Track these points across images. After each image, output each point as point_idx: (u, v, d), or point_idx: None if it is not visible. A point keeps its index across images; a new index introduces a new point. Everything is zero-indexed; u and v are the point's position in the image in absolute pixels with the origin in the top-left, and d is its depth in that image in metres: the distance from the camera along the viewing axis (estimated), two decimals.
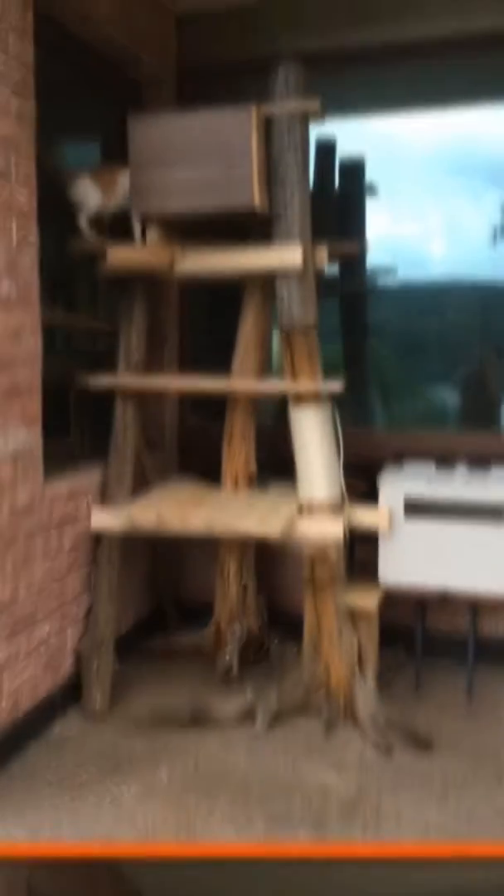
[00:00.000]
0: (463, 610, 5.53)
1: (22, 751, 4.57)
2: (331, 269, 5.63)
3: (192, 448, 6.56)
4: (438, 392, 7.14)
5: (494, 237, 6.62)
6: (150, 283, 5.54)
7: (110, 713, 5.03)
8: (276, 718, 4.90)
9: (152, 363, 5.90)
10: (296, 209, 4.92)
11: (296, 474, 5.12)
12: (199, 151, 4.82)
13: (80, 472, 5.36)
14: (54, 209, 4.94)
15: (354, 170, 7.02)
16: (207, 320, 6.94)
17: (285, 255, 4.92)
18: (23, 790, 4.24)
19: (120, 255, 5.21)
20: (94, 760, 4.51)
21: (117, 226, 5.43)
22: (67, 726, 4.89)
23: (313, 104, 4.87)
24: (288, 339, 5.00)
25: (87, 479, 5.27)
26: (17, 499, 4.44)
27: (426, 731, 4.75)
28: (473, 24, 5.76)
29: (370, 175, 6.86)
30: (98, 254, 5.26)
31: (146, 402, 5.87)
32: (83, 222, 5.25)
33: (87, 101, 6.10)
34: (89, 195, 5.23)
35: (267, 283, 5.33)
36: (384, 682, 5.28)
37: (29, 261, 4.50)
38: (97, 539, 5.26)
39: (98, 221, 5.34)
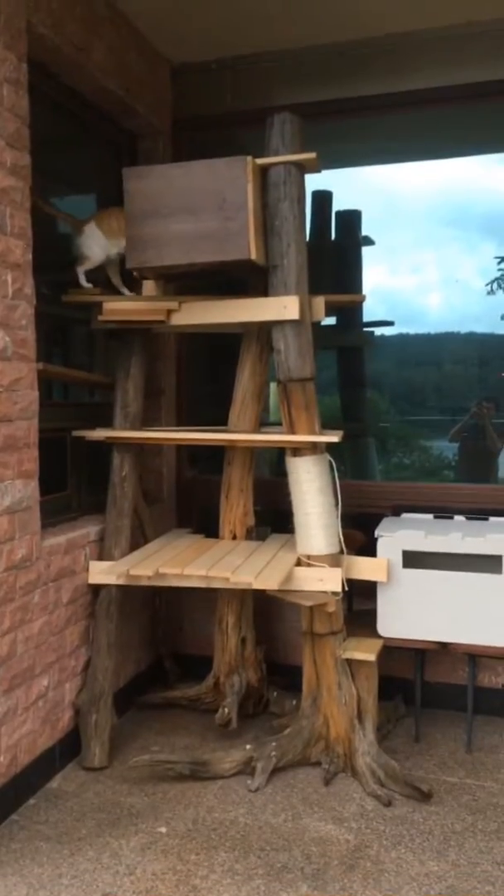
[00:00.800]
0: (462, 661, 5.57)
1: (21, 805, 4.61)
2: (328, 320, 5.67)
3: (190, 500, 6.62)
4: (436, 443, 7.21)
5: (491, 289, 6.72)
6: (147, 335, 5.59)
7: (109, 767, 5.06)
8: (276, 771, 4.93)
9: (150, 415, 5.98)
10: (292, 260, 4.97)
11: (294, 526, 5.16)
12: (194, 203, 4.83)
13: (78, 525, 5.44)
14: (51, 260, 4.98)
15: (350, 221, 7.13)
16: (205, 371, 7.01)
17: (282, 307, 4.96)
18: (22, 845, 4.26)
19: (115, 308, 5.29)
20: (93, 814, 4.54)
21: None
22: (66, 780, 4.92)
23: (309, 155, 4.92)
24: (285, 390, 5.04)
25: (85, 532, 5.31)
26: (14, 552, 4.48)
27: (426, 782, 4.75)
28: (468, 75, 5.86)
29: (366, 226, 6.97)
30: (94, 306, 5.34)
31: (144, 454, 5.95)
32: (81, 273, 5.33)
33: (82, 153, 6.16)
34: (96, 243, 5.29)
35: (264, 334, 5.41)
36: (384, 733, 5.33)
37: (25, 313, 4.54)
38: (95, 592, 5.31)
39: (102, 270, 5.40)
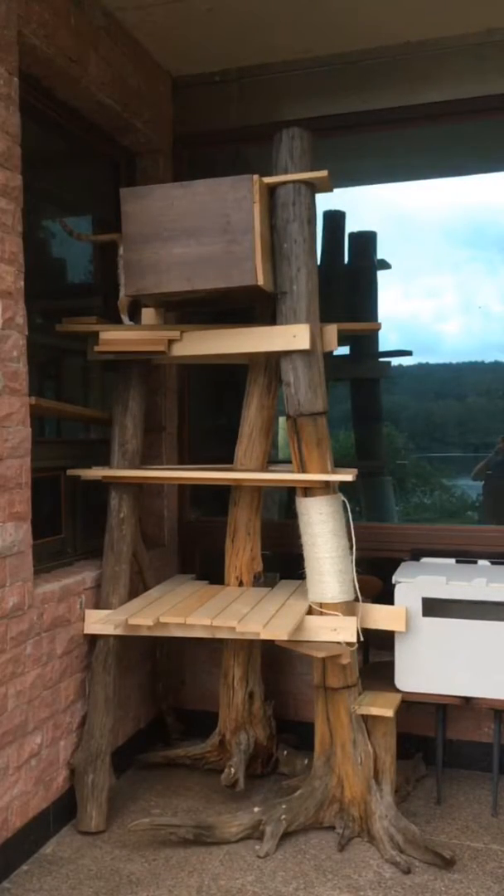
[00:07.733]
0: (487, 717, 5.62)
1: (12, 872, 4.63)
2: (341, 350, 5.69)
3: (193, 544, 6.68)
4: (459, 481, 7.26)
5: None
6: (146, 367, 5.64)
7: (107, 831, 5.08)
8: (286, 836, 4.95)
9: (149, 453, 6.07)
10: (302, 286, 5.03)
11: (305, 571, 5.19)
12: (197, 225, 4.86)
13: (73, 570, 5.48)
14: (44, 287, 5.01)
15: (365, 243, 7.20)
16: (208, 406, 7.07)
17: (291, 336, 5.00)
18: None
19: (113, 338, 5.33)
20: (91, 882, 4.57)
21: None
22: (61, 845, 4.95)
23: (320, 173, 4.97)
24: (295, 426, 5.08)
25: (80, 578, 5.34)
26: (5, 601, 4.53)
27: (448, 848, 4.77)
28: (489, 87, 5.94)
29: (380, 248, 7.03)
30: (90, 336, 5.39)
31: (143, 494, 6.00)
32: (124, 308, 5.40)
33: (77, 172, 6.24)
34: None
35: (272, 365, 5.48)
36: (402, 795, 5.37)
37: (16, 344, 4.59)
38: (92, 643, 5.35)
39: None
